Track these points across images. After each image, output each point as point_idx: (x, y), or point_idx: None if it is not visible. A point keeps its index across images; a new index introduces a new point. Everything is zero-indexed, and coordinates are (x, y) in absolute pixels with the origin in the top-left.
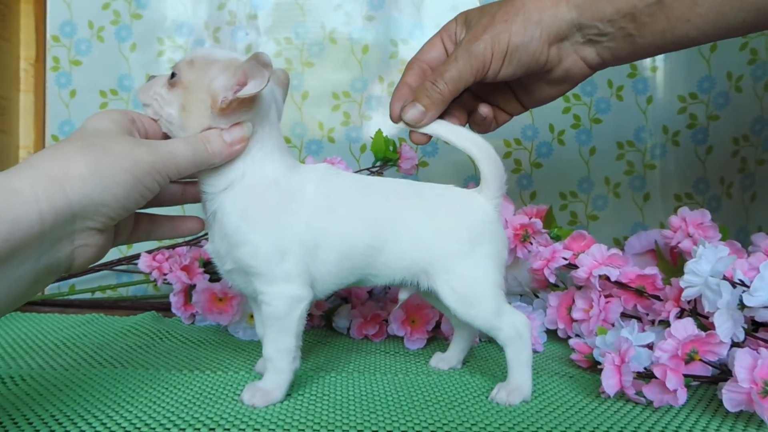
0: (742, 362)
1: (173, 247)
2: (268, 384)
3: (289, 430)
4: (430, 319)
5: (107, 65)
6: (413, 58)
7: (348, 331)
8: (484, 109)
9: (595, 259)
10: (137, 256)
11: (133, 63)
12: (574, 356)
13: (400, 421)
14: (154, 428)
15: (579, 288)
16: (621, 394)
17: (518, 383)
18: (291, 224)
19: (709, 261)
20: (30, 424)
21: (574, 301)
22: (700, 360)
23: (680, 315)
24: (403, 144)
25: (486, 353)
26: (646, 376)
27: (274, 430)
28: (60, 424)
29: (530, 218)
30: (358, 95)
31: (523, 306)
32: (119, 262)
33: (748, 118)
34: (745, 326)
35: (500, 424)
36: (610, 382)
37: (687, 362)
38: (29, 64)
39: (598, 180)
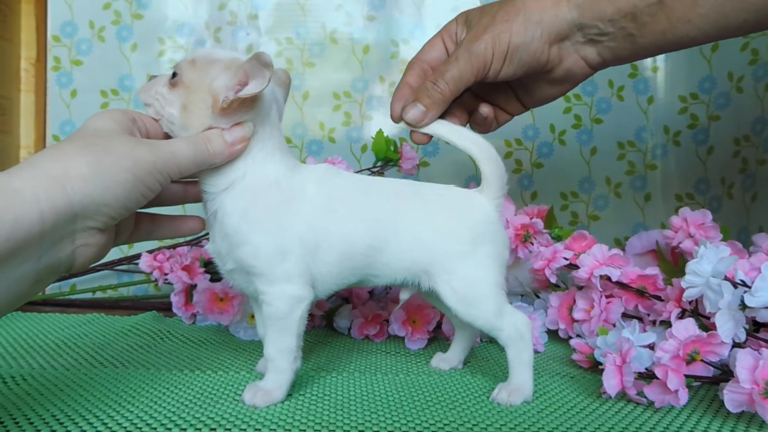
0: (743, 363)
1: (174, 246)
2: (269, 384)
3: (290, 430)
4: (431, 320)
5: (108, 65)
6: (414, 58)
7: (349, 331)
8: (485, 109)
9: (596, 259)
10: (138, 256)
11: (134, 63)
12: (575, 356)
13: (401, 422)
14: (155, 428)
15: (580, 288)
16: (622, 395)
17: (519, 383)
18: (292, 224)
19: (710, 261)
20: (31, 423)
21: (575, 301)
22: (702, 360)
23: (681, 315)
24: (404, 144)
25: (487, 353)
26: (648, 376)
27: (275, 430)
28: (61, 423)
29: (531, 218)
30: (359, 95)
31: (524, 306)
32: (120, 261)
33: (749, 119)
34: (747, 327)
35: (501, 425)
36: (611, 383)
37: (688, 363)
38: (30, 64)
39: (599, 180)
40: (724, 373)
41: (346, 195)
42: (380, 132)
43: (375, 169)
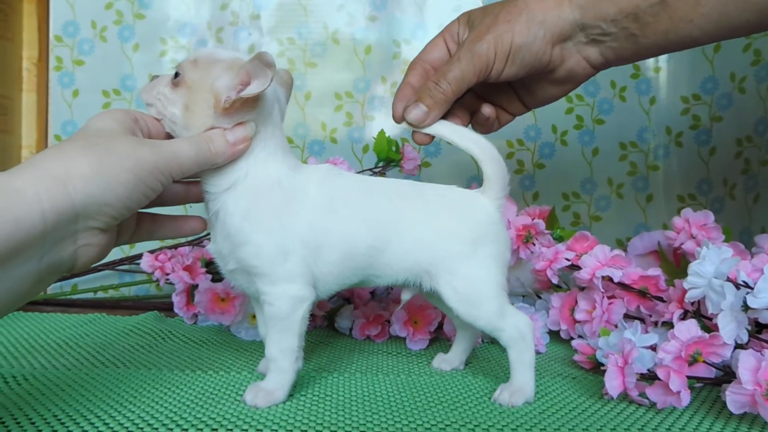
0: (745, 364)
1: (176, 246)
2: (270, 384)
3: (291, 430)
4: (432, 320)
5: (110, 65)
6: (416, 59)
7: (350, 332)
8: (487, 110)
9: (598, 260)
10: (139, 256)
11: (135, 63)
12: (576, 357)
13: (403, 422)
14: (156, 428)
15: (582, 289)
16: (624, 396)
17: (521, 384)
18: (293, 224)
19: (712, 262)
20: (32, 423)
21: (576, 302)
22: (704, 362)
23: (684, 316)
24: (406, 144)
25: (488, 354)
26: (650, 377)
27: (276, 430)
28: (62, 423)
29: (533, 219)
30: (361, 95)
31: (526, 307)
32: (121, 261)
33: (751, 119)
34: (749, 328)
35: (503, 426)
36: (613, 384)
37: (690, 364)
38: (32, 63)
39: (601, 181)
40: (727, 374)
41: (348, 195)
42: (382, 132)
43: (377, 170)
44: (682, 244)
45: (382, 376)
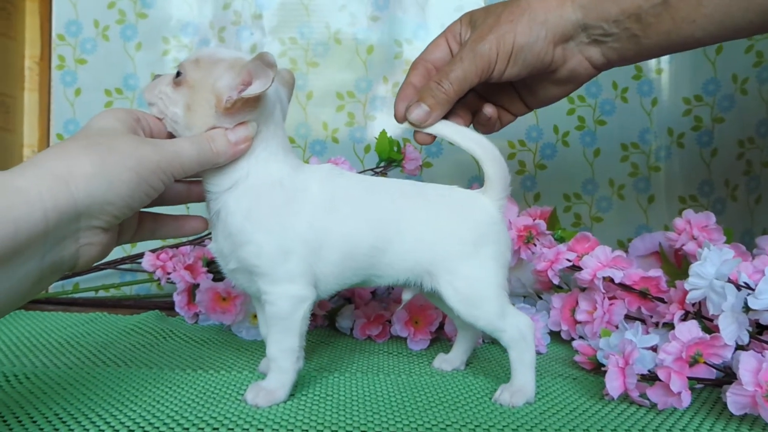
0: (746, 365)
1: (177, 246)
2: (271, 384)
3: (292, 430)
4: (433, 320)
5: (112, 64)
6: (418, 58)
7: (351, 332)
8: (489, 110)
9: (599, 260)
10: (141, 255)
11: (138, 62)
12: (577, 358)
13: (403, 422)
14: (157, 427)
15: (583, 290)
16: (625, 397)
17: (521, 385)
18: (294, 224)
19: (713, 264)
20: (34, 422)
21: (577, 302)
22: (705, 363)
23: (684, 317)
24: (407, 144)
25: (489, 355)
26: (650, 378)
27: (277, 430)
28: (63, 422)
29: (534, 220)
30: (363, 95)
31: (527, 307)
32: (123, 261)
33: (753, 121)
34: (750, 329)
35: (503, 426)
36: (613, 384)
37: (691, 365)
38: (34, 62)
39: (603, 182)
40: (727, 375)
41: (349, 195)
42: (383, 132)
43: (378, 170)
44: (683, 245)
45: (382, 376)
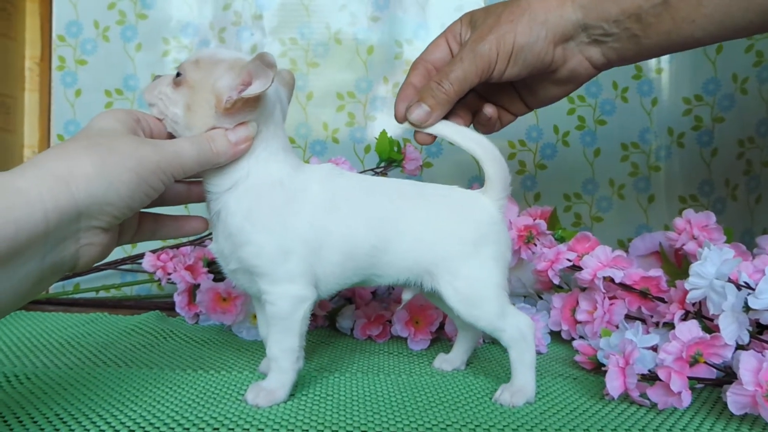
0: (746, 365)
1: (177, 246)
2: (271, 384)
3: (292, 430)
4: (433, 320)
5: (113, 65)
6: (418, 59)
7: (351, 332)
8: (489, 110)
9: (599, 260)
10: (141, 256)
11: (138, 63)
12: (577, 358)
13: (404, 422)
14: (157, 427)
15: (583, 290)
16: (625, 396)
17: (522, 384)
18: (294, 224)
19: (713, 263)
20: (35, 422)
21: (578, 302)
22: (705, 362)
23: (685, 317)
24: (408, 145)
25: (490, 354)
26: (651, 378)
27: (277, 430)
28: (64, 422)
29: (534, 219)
30: (363, 96)
31: (527, 307)
32: (123, 261)
33: (753, 120)
34: (750, 329)
35: (504, 426)
36: (614, 384)
37: (691, 365)
38: (35, 63)
39: (603, 181)
40: (728, 375)
41: (350, 195)
42: (384, 132)
43: (378, 170)
44: (683, 245)
45: (383, 376)
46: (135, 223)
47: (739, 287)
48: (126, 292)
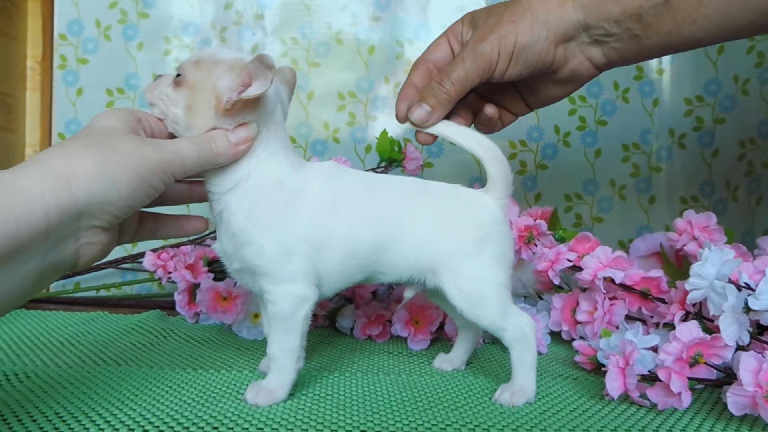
0: (746, 366)
1: (178, 245)
2: (271, 383)
3: (292, 429)
4: (433, 320)
5: (114, 64)
6: (419, 59)
7: (351, 332)
8: (490, 110)
9: (599, 261)
10: (142, 255)
11: (139, 62)
12: (578, 358)
13: (403, 422)
14: (157, 426)
15: (583, 290)
16: (625, 397)
17: (522, 384)
18: (296, 224)
19: (714, 264)
20: (34, 421)
21: (578, 303)
22: (705, 363)
23: (685, 318)
24: (408, 144)
25: (490, 354)
26: (651, 378)
27: (277, 429)
28: (64, 421)
29: (535, 220)
30: (364, 96)
31: (528, 308)
32: (124, 260)
33: (754, 121)
34: (750, 330)
35: (503, 426)
36: (614, 385)
37: (691, 365)
38: (36, 62)
39: (604, 182)
40: (728, 375)
41: (351, 193)
42: (384, 132)
43: (379, 170)
44: (684, 245)
45: (383, 376)
46: (135, 222)
47: (739, 288)
48: (126, 291)
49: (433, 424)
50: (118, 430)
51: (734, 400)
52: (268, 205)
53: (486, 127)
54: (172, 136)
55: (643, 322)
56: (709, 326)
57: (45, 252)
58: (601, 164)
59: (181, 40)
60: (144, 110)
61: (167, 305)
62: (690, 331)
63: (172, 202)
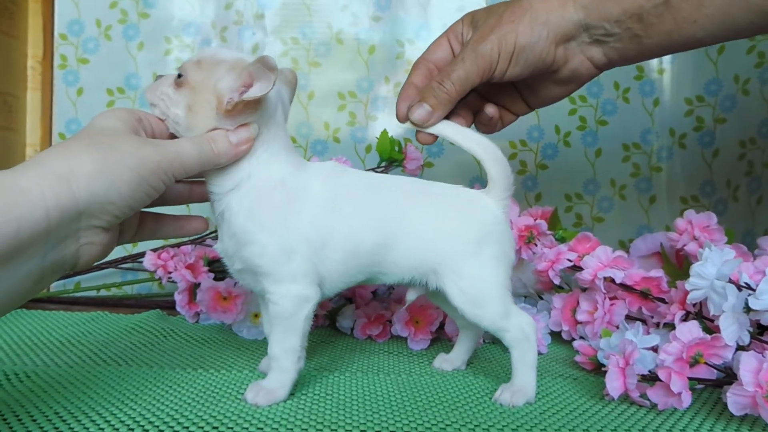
0: (747, 366)
1: (178, 245)
2: (272, 383)
3: (292, 429)
4: (433, 320)
5: (114, 64)
6: (420, 59)
7: (352, 331)
8: (490, 110)
9: (600, 261)
10: (142, 255)
11: (140, 62)
12: (578, 358)
13: (403, 422)
14: (157, 426)
15: (584, 290)
16: (625, 397)
17: (522, 384)
18: (296, 224)
19: (714, 264)
20: (34, 420)
21: (578, 303)
22: (705, 363)
23: (685, 318)
24: (408, 144)
25: (490, 354)
26: (651, 378)
27: (277, 429)
28: (64, 421)
29: (535, 220)
30: (364, 95)
31: (528, 308)
32: (124, 260)
33: (755, 121)
34: (751, 329)
35: (503, 426)
36: (614, 385)
37: (692, 365)
38: (37, 61)
39: (604, 182)
40: (728, 375)
41: (352, 193)
42: (385, 132)
43: (379, 170)
44: (684, 245)
45: (383, 376)
46: (136, 222)
47: (739, 288)
48: (127, 290)
49: (433, 424)
50: (118, 429)
51: (734, 400)
52: (269, 205)
53: (486, 127)
54: (172, 137)
55: (644, 322)
56: (710, 326)
57: (45, 252)
58: (602, 164)
59: (181, 40)
60: (145, 110)
61: (167, 305)
62: (690, 331)
63: (172, 202)
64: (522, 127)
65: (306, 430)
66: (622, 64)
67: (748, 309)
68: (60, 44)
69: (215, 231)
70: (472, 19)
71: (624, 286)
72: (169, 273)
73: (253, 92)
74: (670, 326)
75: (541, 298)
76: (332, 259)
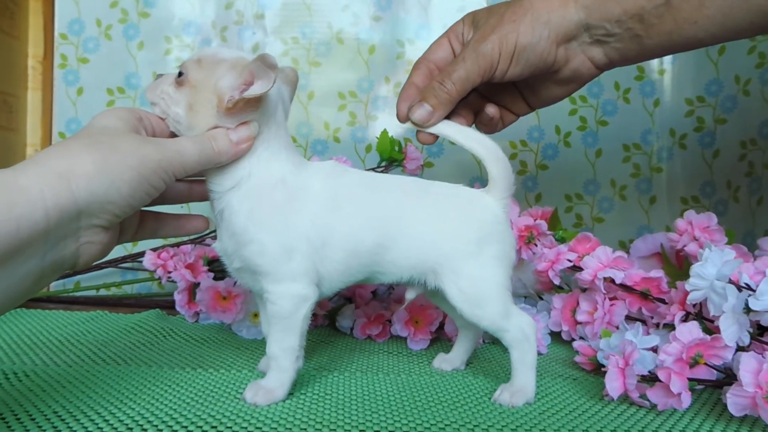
0: (747, 366)
1: (178, 245)
2: (271, 383)
3: (291, 429)
4: (433, 320)
5: (115, 63)
6: (420, 58)
7: (351, 331)
8: (491, 110)
9: (600, 261)
10: (142, 254)
11: (140, 61)
12: (577, 359)
13: (402, 422)
14: (156, 425)
15: (583, 290)
16: (625, 397)
17: (522, 385)
18: (296, 223)
19: (714, 264)
20: (33, 420)
21: (578, 303)
22: (705, 364)
23: (685, 318)
24: (409, 144)
25: (489, 355)
26: (650, 379)
27: (276, 428)
28: (63, 420)
29: (535, 220)
30: (365, 95)
31: (528, 308)
32: (124, 259)
33: (755, 122)
34: (751, 330)
35: (503, 426)
36: (613, 385)
37: (691, 366)
38: (37, 61)
39: (604, 182)
40: (728, 376)
41: (352, 192)
42: (385, 132)
43: (379, 170)
44: (684, 246)
45: (382, 376)
46: (136, 221)
47: (739, 288)
48: (126, 290)
49: (432, 424)
50: (117, 429)
51: (734, 400)
52: (269, 204)
53: (487, 127)
54: (173, 135)
55: (643, 322)
56: (710, 327)
57: (45, 251)
58: (602, 164)
59: (181, 39)
60: (145, 109)
61: (167, 304)
62: (690, 331)
63: (172, 201)
64: (522, 128)
65: (305, 429)
66: (622, 65)
67: (748, 310)
68: (60, 44)
69: (215, 231)
70: (473, 19)
71: (624, 287)
72: (169, 272)
73: (254, 90)
74: (670, 327)
75: (541, 299)
76: (332, 259)
